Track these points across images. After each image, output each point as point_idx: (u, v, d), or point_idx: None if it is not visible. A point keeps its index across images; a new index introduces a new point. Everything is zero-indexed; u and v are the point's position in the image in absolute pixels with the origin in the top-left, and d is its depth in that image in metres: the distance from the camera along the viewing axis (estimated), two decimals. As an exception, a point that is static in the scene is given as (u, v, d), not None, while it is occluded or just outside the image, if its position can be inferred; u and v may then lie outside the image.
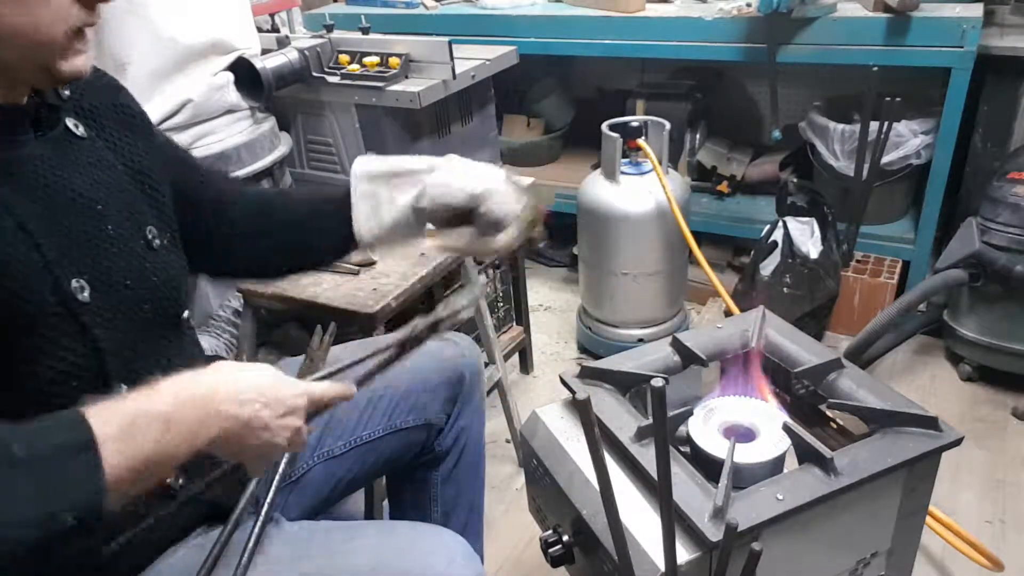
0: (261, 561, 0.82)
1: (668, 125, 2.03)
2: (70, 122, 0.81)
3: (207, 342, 1.75)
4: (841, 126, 2.19)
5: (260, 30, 1.82)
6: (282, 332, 1.82)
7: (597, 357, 2.19)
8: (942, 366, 2.13)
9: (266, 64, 1.55)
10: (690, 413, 1.02)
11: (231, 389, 0.69)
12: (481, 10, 2.48)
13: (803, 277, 2.08)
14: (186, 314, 0.91)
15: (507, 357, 2.02)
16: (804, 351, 1.12)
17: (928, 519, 1.44)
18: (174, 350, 0.88)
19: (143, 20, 1.50)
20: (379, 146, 1.60)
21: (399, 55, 1.56)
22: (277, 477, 0.90)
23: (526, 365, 2.23)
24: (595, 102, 2.85)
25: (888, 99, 1.93)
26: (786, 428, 0.97)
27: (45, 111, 0.77)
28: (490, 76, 1.70)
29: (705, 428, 1.00)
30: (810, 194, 2.20)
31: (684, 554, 0.84)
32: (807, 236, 2.15)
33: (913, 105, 2.14)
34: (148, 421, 0.63)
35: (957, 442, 0.95)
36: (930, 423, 0.96)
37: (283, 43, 1.62)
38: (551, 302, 2.65)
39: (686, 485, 0.89)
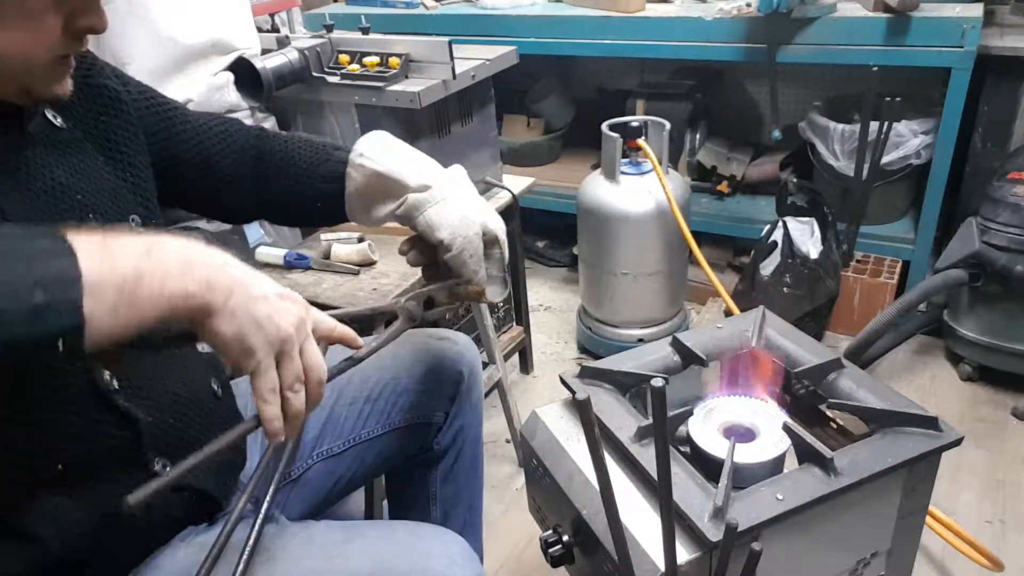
0: (261, 560, 0.81)
1: (668, 125, 2.03)
2: (48, 113, 0.81)
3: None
4: (841, 126, 2.19)
5: (260, 30, 1.82)
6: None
7: (597, 357, 2.19)
8: (942, 366, 2.13)
9: (266, 64, 1.54)
10: (690, 413, 1.02)
11: (221, 256, 0.65)
12: (481, 10, 2.48)
13: (803, 277, 2.08)
14: None
15: (507, 357, 2.02)
16: (804, 351, 1.12)
17: (928, 519, 1.44)
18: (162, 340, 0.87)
19: (143, 20, 1.50)
20: (379, 146, 1.60)
21: (399, 55, 1.56)
22: (277, 476, 0.90)
23: (526, 365, 2.23)
24: (595, 102, 2.85)
25: (888, 99, 1.93)
26: (786, 428, 0.97)
27: (18, 106, 0.76)
28: (490, 76, 1.70)
29: (705, 428, 1.00)
30: (810, 194, 2.20)
31: (684, 554, 0.84)
32: (807, 236, 2.15)
33: (913, 105, 2.15)
34: (127, 243, 0.59)
35: (957, 442, 0.95)
36: (930, 423, 0.96)
37: (283, 43, 1.61)
38: (551, 302, 2.65)
39: (686, 485, 0.89)
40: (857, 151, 2.06)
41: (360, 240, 1.51)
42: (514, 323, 2.12)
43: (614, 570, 0.88)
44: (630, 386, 1.10)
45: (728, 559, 0.80)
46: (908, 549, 1.05)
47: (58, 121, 0.82)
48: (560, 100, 2.89)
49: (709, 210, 2.52)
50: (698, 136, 2.57)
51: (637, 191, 2.01)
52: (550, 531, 1.02)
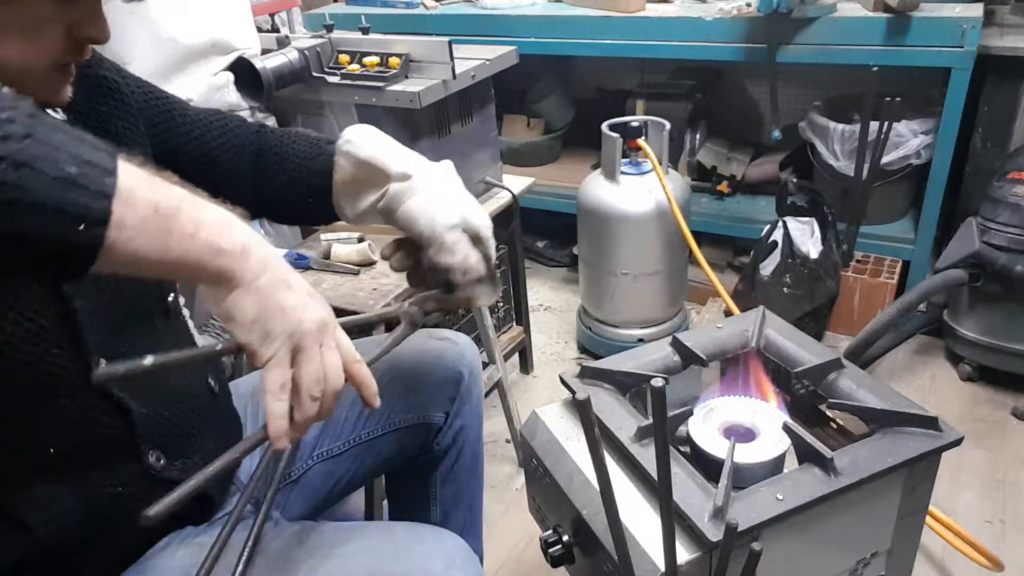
0: (260, 561, 0.81)
1: (668, 125, 2.03)
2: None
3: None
4: (841, 126, 2.19)
5: (260, 30, 1.82)
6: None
7: (597, 357, 2.19)
8: (942, 366, 2.13)
9: (266, 64, 1.54)
10: (690, 413, 1.02)
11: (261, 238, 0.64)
12: (481, 10, 2.48)
13: (803, 277, 2.08)
14: (172, 297, 0.90)
15: (507, 357, 2.02)
16: (804, 351, 1.12)
17: (928, 519, 1.44)
18: (163, 333, 0.87)
19: (143, 20, 1.50)
20: (379, 146, 1.60)
21: (399, 55, 1.56)
22: (276, 477, 0.90)
23: (526, 365, 2.23)
24: (595, 102, 2.85)
25: (888, 99, 1.93)
26: (786, 428, 0.97)
27: None
28: (490, 76, 1.70)
29: (705, 428, 1.00)
30: (810, 194, 2.20)
31: (684, 554, 0.84)
32: (807, 236, 2.15)
33: (913, 105, 2.15)
34: (172, 188, 0.58)
35: (957, 442, 0.95)
36: (930, 423, 0.96)
37: (283, 43, 1.61)
38: (551, 302, 2.65)
39: (686, 485, 0.89)
40: (857, 151, 2.06)
41: (360, 240, 1.51)
42: (514, 323, 2.12)
43: (614, 570, 0.88)
44: (630, 386, 1.10)
45: (728, 559, 0.80)
46: (908, 549, 1.05)
47: (58, 113, 0.81)
48: (560, 100, 2.89)
49: (709, 210, 2.52)
50: (698, 136, 2.57)
51: (637, 191, 2.01)
52: (550, 531, 1.02)
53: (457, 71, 1.56)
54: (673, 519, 0.79)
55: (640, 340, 2.13)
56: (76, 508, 0.76)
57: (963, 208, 2.15)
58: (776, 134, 2.21)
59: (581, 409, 0.68)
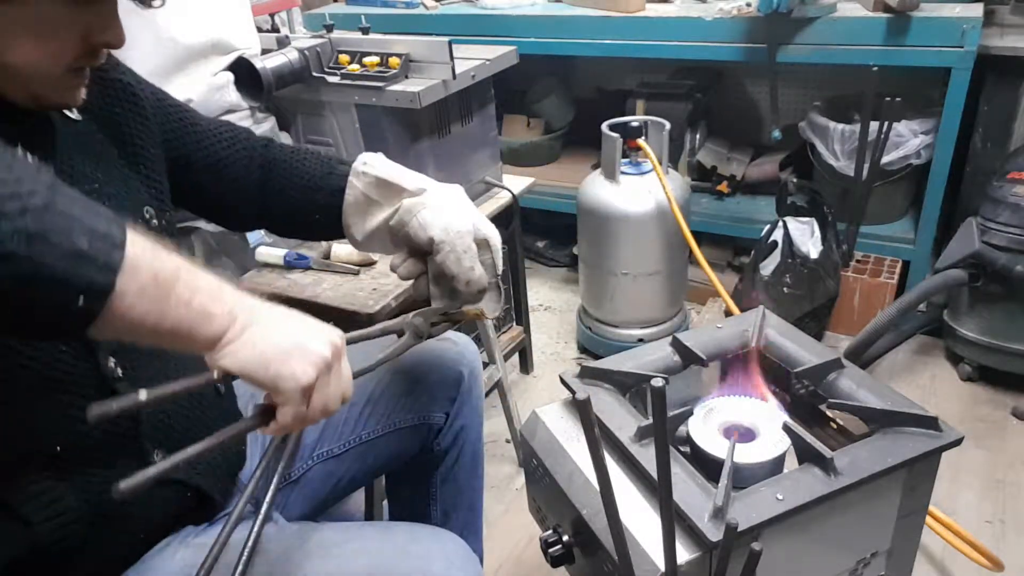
0: (260, 562, 0.81)
1: (668, 125, 2.03)
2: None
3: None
4: (841, 126, 2.19)
5: (260, 30, 1.82)
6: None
7: (597, 357, 2.19)
8: (942, 366, 2.13)
9: (266, 64, 1.54)
10: (690, 413, 1.02)
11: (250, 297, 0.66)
12: (481, 10, 2.48)
13: (803, 277, 2.08)
14: None
15: (507, 357, 2.02)
16: (804, 351, 1.12)
17: (928, 519, 1.44)
18: None
19: (143, 20, 1.50)
20: (379, 146, 1.59)
21: (399, 55, 1.56)
22: (276, 477, 0.90)
23: (526, 365, 2.23)
24: (595, 102, 2.85)
25: (888, 99, 1.93)
26: (786, 428, 0.97)
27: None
28: (490, 76, 1.70)
29: (705, 428, 1.00)
30: (810, 194, 2.20)
31: (684, 554, 0.84)
32: (807, 236, 2.15)
33: (913, 105, 2.15)
34: (171, 256, 0.60)
35: (957, 442, 0.95)
36: (930, 423, 0.96)
37: (283, 43, 1.61)
38: (551, 302, 2.65)
39: (686, 485, 0.89)
40: (857, 151, 2.06)
41: (360, 240, 1.51)
42: (514, 323, 2.12)
43: (614, 570, 0.88)
44: (630, 386, 1.10)
45: (728, 559, 0.80)
46: (908, 549, 1.05)
47: (74, 114, 0.83)
48: (560, 100, 2.89)
49: (709, 210, 2.52)
50: (698, 136, 2.57)
51: (637, 191, 2.01)
52: (550, 531, 1.02)
53: (457, 71, 1.56)
54: (673, 519, 0.79)
55: (640, 340, 2.13)
56: (78, 505, 0.76)
57: (963, 208, 2.15)
58: (776, 134, 2.21)
59: (581, 409, 0.68)
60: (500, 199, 1.81)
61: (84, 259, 0.53)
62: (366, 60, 1.58)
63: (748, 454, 0.94)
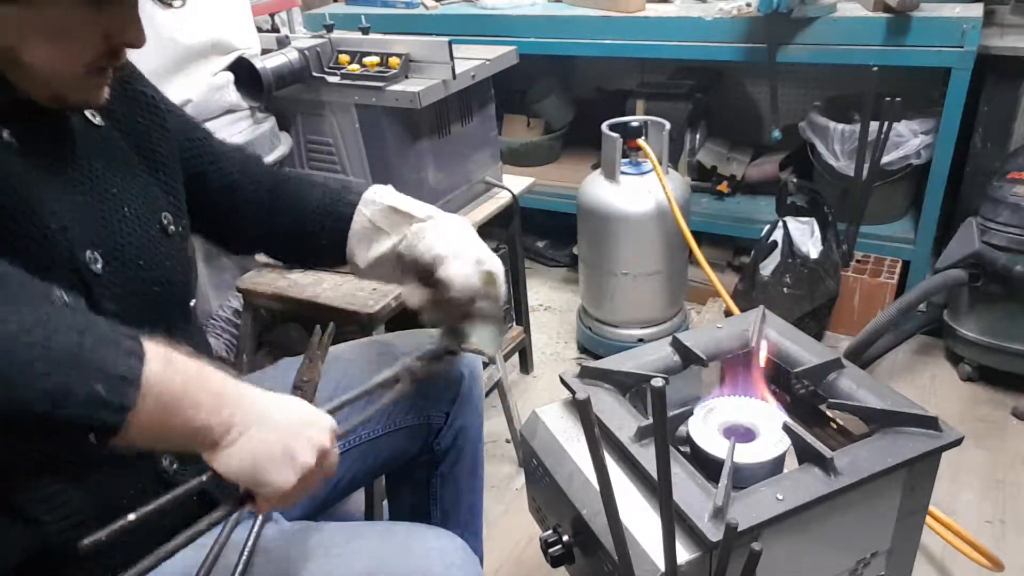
0: (259, 562, 0.82)
1: (668, 125, 2.03)
2: (88, 112, 0.83)
3: (214, 343, 1.75)
4: (841, 126, 2.19)
5: (260, 30, 1.82)
6: (282, 332, 1.82)
7: (597, 357, 2.19)
8: (942, 366, 2.13)
9: (266, 64, 1.54)
10: (690, 413, 1.02)
11: (259, 396, 0.69)
12: (481, 10, 2.48)
13: (803, 277, 2.08)
14: (193, 302, 0.94)
15: (507, 357, 2.02)
16: (804, 351, 1.13)
17: (928, 519, 1.44)
18: (182, 337, 0.88)
19: (143, 20, 1.50)
20: (379, 146, 1.60)
21: (399, 55, 1.56)
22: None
23: (526, 365, 2.23)
24: (595, 102, 2.85)
25: (888, 99, 1.93)
26: (786, 428, 0.97)
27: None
28: (490, 76, 1.70)
29: (705, 428, 1.00)
30: (810, 194, 2.20)
31: (684, 554, 0.84)
32: (807, 236, 2.15)
33: (913, 105, 2.15)
34: (179, 368, 0.63)
35: (957, 442, 0.95)
36: (930, 423, 0.96)
37: (283, 43, 1.61)
38: (551, 302, 2.65)
39: (686, 485, 0.89)
40: (857, 151, 2.06)
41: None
42: (514, 323, 2.12)
43: (614, 570, 0.88)
44: (630, 386, 1.10)
45: (728, 559, 0.80)
46: (908, 549, 1.05)
47: (96, 119, 0.84)
48: (560, 100, 2.89)
49: (709, 210, 2.52)
50: (698, 136, 2.57)
51: (637, 191, 2.01)
52: (550, 531, 1.02)
53: (457, 71, 1.56)
54: (673, 519, 0.79)
55: (640, 340, 2.13)
56: (87, 508, 0.77)
57: (963, 208, 2.15)
58: (776, 134, 2.21)
59: (581, 409, 0.69)
60: (500, 199, 1.81)
61: (101, 404, 0.57)
62: (366, 60, 1.58)
63: (748, 454, 0.94)
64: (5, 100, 0.69)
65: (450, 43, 1.53)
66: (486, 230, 1.99)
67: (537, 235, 2.88)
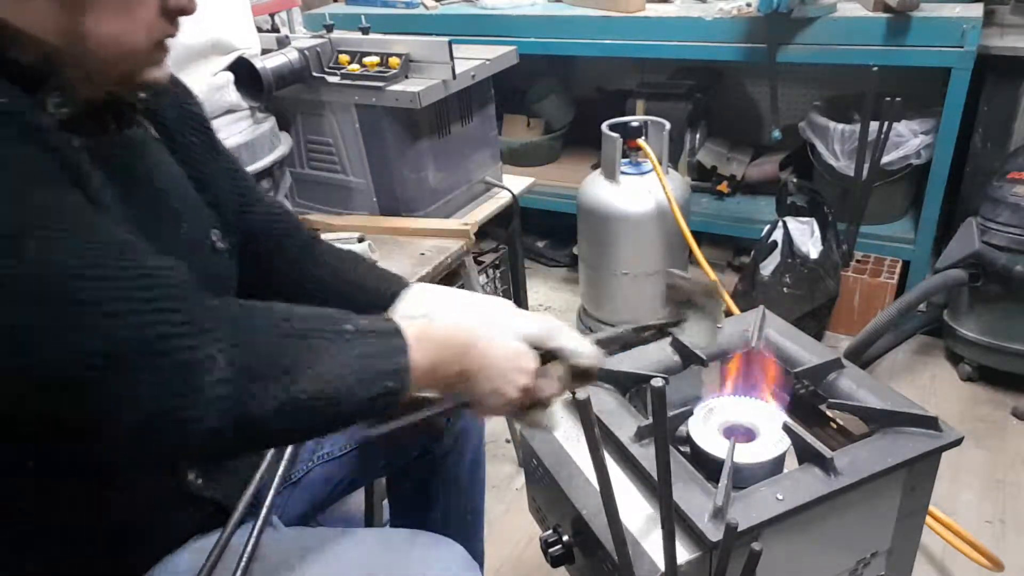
0: (258, 567, 0.81)
1: (668, 125, 2.03)
2: (146, 123, 0.84)
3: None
4: (841, 126, 2.18)
5: (260, 30, 1.82)
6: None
7: (597, 357, 2.18)
8: (942, 366, 2.13)
9: (266, 64, 1.54)
10: (690, 413, 1.02)
11: (487, 345, 0.77)
12: (481, 10, 2.48)
13: (803, 277, 2.08)
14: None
15: (507, 357, 2.02)
16: (804, 351, 1.12)
17: (928, 519, 1.44)
18: None
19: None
20: (379, 146, 1.60)
21: (399, 55, 1.56)
22: (276, 480, 0.90)
23: (526, 365, 2.23)
24: (595, 102, 2.85)
25: (888, 99, 1.93)
26: (786, 428, 0.97)
27: (125, 109, 0.79)
28: (490, 76, 1.70)
29: (705, 428, 1.00)
30: (810, 194, 2.20)
31: (684, 554, 0.84)
32: (807, 236, 2.15)
33: (913, 105, 2.14)
34: (429, 339, 0.73)
35: (957, 442, 0.95)
36: (930, 423, 0.96)
37: (283, 43, 1.61)
38: (551, 302, 2.65)
39: (686, 485, 0.89)
40: (857, 151, 2.06)
41: (360, 240, 1.51)
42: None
43: (614, 570, 0.88)
44: (630, 386, 1.10)
45: (728, 559, 0.80)
46: (908, 549, 1.05)
47: (152, 132, 0.85)
48: (560, 100, 2.89)
49: (709, 210, 2.52)
50: (698, 136, 2.57)
51: (637, 191, 2.01)
52: (550, 531, 1.02)
53: (457, 71, 1.56)
54: (673, 519, 0.79)
55: (640, 340, 2.13)
56: (113, 521, 0.78)
57: (963, 208, 2.15)
58: (776, 134, 2.21)
59: (581, 409, 0.69)
60: (500, 199, 1.81)
61: (394, 394, 0.69)
62: (366, 60, 1.58)
63: (748, 454, 0.94)
64: (74, 110, 0.70)
65: (450, 43, 1.53)
66: (486, 230, 1.99)
67: (537, 235, 2.88)
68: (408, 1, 2.58)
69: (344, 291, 1.00)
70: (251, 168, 1.63)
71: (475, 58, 1.67)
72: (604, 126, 2.01)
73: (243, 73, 1.58)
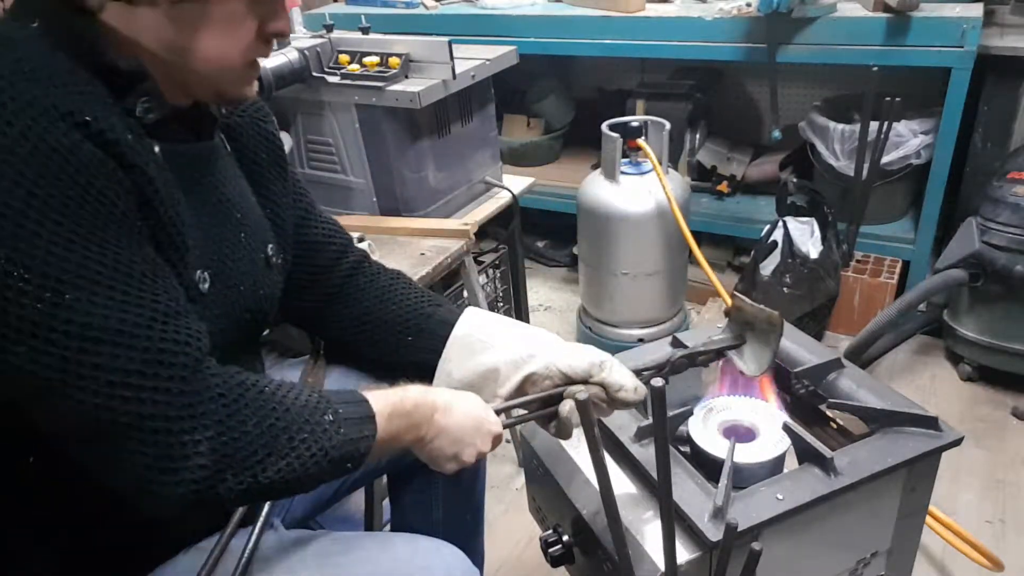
0: (258, 568, 0.81)
1: (668, 125, 2.03)
2: (220, 136, 0.86)
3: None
4: (841, 126, 2.18)
5: (260, 30, 1.82)
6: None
7: (597, 357, 2.18)
8: (942, 366, 2.13)
9: (266, 64, 1.54)
10: (690, 413, 1.02)
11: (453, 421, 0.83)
12: (481, 10, 2.48)
13: (803, 277, 2.08)
14: (266, 332, 0.98)
15: (507, 357, 2.02)
16: (804, 351, 1.12)
17: (928, 519, 1.44)
18: (247, 362, 0.92)
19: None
20: (379, 146, 1.60)
21: (399, 55, 1.56)
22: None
23: (526, 365, 2.23)
24: (595, 102, 2.85)
25: (888, 99, 1.93)
26: (786, 428, 0.97)
27: (207, 120, 0.82)
28: (490, 76, 1.70)
29: (705, 428, 1.00)
30: (810, 194, 2.20)
31: (684, 554, 0.84)
32: (807, 236, 2.15)
33: (913, 105, 2.15)
34: (399, 415, 0.80)
35: (957, 442, 0.95)
36: (930, 423, 0.96)
37: (283, 43, 1.62)
38: (551, 302, 2.65)
39: (686, 485, 0.89)
40: (857, 151, 2.06)
41: (360, 240, 1.51)
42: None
43: (614, 570, 0.88)
44: (630, 386, 1.10)
45: (728, 559, 0.80)
46: (908, 549, 1.05)
47: (226, 144, 0.87)
48: (560, 100, 2.89)
49: (709, 210, 2.52)
50: (698, 136, 2.57)
51: (637, 191, 2.01)
52: (550, 531, 1.02)
53: (457, 71, 1.56)
54: (673, 519, 0.79)
55: (640, 340, 2.13)
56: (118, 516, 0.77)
57: (963, 208, 2.15)
58: (776, 134, 2.21)
59: (581, 409, 0.69)
60: (500, 199, 1.81)
61: (358, 461, 0.76)
62: (366, 60, 1.58)
63: (748, 454, 0.94)
64: (160, 115, 0.73)
65: (450, 43, 1.53)
66: (486, 230, 1.99)
67: (537, 235, 2.88)
68: (408, 1, 2.58)
69: (391, 313, 1.02)
70: (251, 168, 1.63)
71: (475, 58, 1.67)
72: (604, 126, 2.01)
73: (243, 73, 1.58)
